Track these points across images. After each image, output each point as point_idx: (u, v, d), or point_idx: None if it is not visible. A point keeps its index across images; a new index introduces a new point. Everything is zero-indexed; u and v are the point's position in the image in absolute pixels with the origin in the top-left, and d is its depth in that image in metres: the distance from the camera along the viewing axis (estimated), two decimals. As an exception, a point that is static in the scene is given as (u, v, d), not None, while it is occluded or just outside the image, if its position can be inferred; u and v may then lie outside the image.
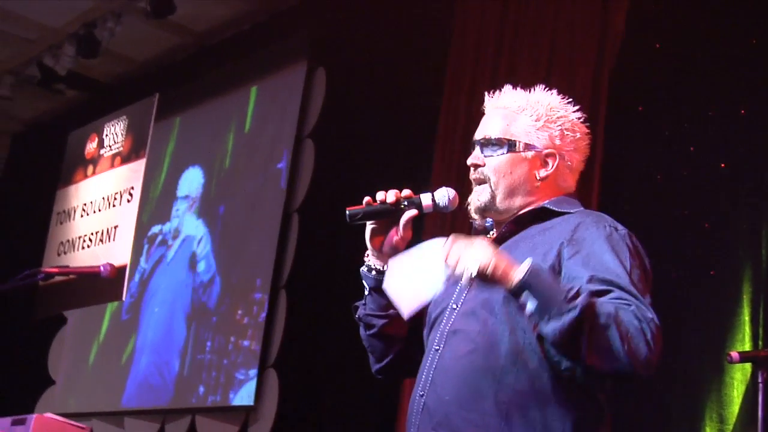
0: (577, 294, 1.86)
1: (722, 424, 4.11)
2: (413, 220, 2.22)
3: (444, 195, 2.20)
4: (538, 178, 2.18)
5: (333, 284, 5.88)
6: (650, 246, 4.44)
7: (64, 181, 7.25)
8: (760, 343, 4.04)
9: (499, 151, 2.17)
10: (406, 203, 2.17)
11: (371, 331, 2.28)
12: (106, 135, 6.89)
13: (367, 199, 2.19)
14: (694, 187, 4.55)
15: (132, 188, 6.27)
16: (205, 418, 6.68)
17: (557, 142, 2.19)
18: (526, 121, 2.19)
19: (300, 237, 6.38)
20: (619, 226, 2.11)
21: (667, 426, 4.30)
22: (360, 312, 2.31)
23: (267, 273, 6.38)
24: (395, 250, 2.20)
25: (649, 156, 4.76)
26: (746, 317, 4.16)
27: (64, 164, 7.39)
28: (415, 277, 1.98)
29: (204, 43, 7.94)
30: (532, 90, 2.26)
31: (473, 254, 1.89)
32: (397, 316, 2.16)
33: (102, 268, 3.05)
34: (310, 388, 6.22)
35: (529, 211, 2.19)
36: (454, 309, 2.13)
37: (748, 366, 4.03)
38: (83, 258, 6.66)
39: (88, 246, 6.57)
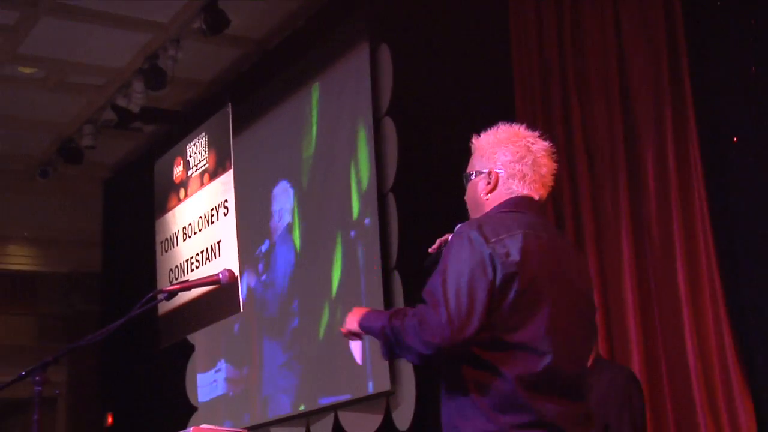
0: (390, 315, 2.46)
1: None
2: None
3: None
4: (483, 195, 2.60)
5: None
6: (759, 138, 4.33)
7: (159, 210, 7.34)
8: None
9: (467, 183, 2.65)
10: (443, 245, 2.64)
11: None
12: (190, 156, 6.95)
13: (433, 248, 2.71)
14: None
15: (226, 201, 6.31)
16: (347, 412, 6.68)
17: (503, 158, 2.58)
18: (481, 152, 2.63)
19: (400, 217, 6.35)
20: (463, 226, 2.49)
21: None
22: None
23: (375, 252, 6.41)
24: None
25: (737, 49, 4.54)
26: None
27: (156, 194, 7.49)
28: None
29: (265, 48, 7.95)
30: (497, 128, 2.65)
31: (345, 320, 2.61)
32: None
33: (221, 275, 3.01)
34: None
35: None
36: None
37: None
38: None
39: (197, 267, 6.64)
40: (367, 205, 6.59)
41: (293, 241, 7.34)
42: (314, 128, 7.23)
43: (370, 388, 6.41)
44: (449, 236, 2.53)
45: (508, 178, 2.57)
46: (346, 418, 6.68)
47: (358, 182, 6.72)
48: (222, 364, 7.97)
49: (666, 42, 4.75)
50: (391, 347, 2.46)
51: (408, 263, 6.24)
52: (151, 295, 2.84)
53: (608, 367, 4.17)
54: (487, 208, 2.59)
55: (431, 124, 6.28)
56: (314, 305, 7.00)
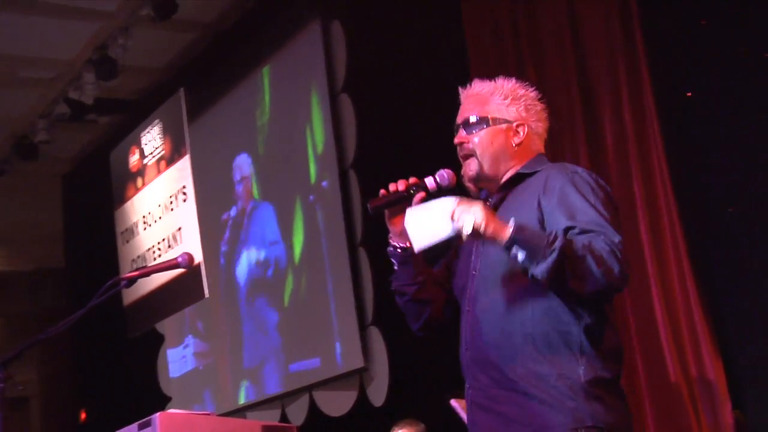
0: (556, 237, 2.30)
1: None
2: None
3: (443, 175, 2.64)
4: (514, 145, 2.65)
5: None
6: (713, 92, 4.33)
7: (118, 200, 7.28)
8: None
9: (479, 128, 2.65)
10: (414, 188, 2.61)
11: (405, 298, 2.72)
12: (145, 144, 6.88)
13: (382, 191, 2.62)
14: (742, 20, 4.33)
15: (184, 187, 6.26)
16: (322, 391, 6.67)
17: (524, 114, 2.68)
18: (496, 101, 2.67)
19: (362, 192, 6.32)
20: (579, 168, 2.57)
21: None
22: (394, 284, 2.74)
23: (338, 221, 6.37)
24: None
25: (687, 4, 4.54)
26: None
27: (114, 184, 7.41)
28: (427, 222, 2.38)
29: (217, 31, 7.86)
30: (496, 80, 2.73)
31: (470, 215, 2.31)
32: (425, 282, 2.70)
33: (180, 259, 3.02)
34: (417, 340, 6.14)
35: (508, 179, 2.65)
36: (474, 275, 2.60)
37: None
38: (158, 269, 6.65)
39: (160, 255, 6.59)
40: (324, 168, 6.55)
41: (255, 210, 7.24)
42: (267, 107, 7.16)
43: (338, 349, 6.40)
44: (415, 180, 2.62)
45: (533, 134, 2.69)
46: (320, 397, 6.67)
47: (314, 146, 6.68)
48: (189, 339, 7.90)
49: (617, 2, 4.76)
50: (566, 270, 2.29)
51: (374, 240, 6.22)
52: (110, 282, 2.82)
53: None
54: (518, 159, 2.66)
55: (388, 100, 6.24)
56: (278, 273, 6.96)
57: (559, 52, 5.03)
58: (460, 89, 2.76)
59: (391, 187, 2.63)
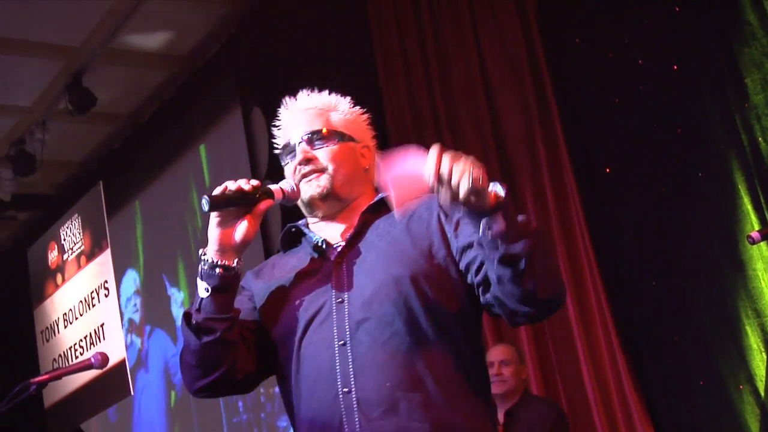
0: (529, 219, 1.91)
1: (760, 318, 3.98)
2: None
3: (289, 184, 2.19)
4: (364, 169, 2.23)
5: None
6: (630, 167, 4.43)
7: (37, 298, 7.09)
8: (770, 223, 3.93)
9: (330, 143, 2.19)
10: (260, 193, 2.11)
11: (210, 338, 2.06)
12: (64, 239, 6.74)
13: (224, 186, 2.08)
14: (653, 98, 4.44)
15: (106, 282, 6.12)
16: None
17: (369, 135, 2.28)
18: (339, 117, 2.24)
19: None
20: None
21: (703, 334, 4.17)
22: (196, 318, 2.08)
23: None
24: (246, 243, 2.11)
25: (600, 82, 4.65)
26: (748, 206, 4.04)
27: (32, 282, 7.22)
28: (408, 178, 1.84)
29: (136, 122, 7.80)
30: (329, 92, 2.30)
31: (467, 166, 1.79)
32: (235, 320, 2.09)
33: (93, 359, 2.89)
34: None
35: (378, 200, 2.18)
36: (341, 302, 2.07)
37: (766, 252, 3.94)
38: (81, 368, 6.46)
39: (82, 353, 6.41)
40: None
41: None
42: (194, 193, 7.08)
43: None
44: (259, 184, 2.11)
45: (375, 164, 2.22)
46: None
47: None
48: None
49: (531, 77, 4.84)
50: (536, 261, 1.86)
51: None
52: (18, 388, 2.69)
53: (537, 401, 4.31)
54: (368, 188, 2.24)
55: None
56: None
57: (480, 136, 5.06)
58: (290, 102, 2.27)
59: (231, 185, 2.09)
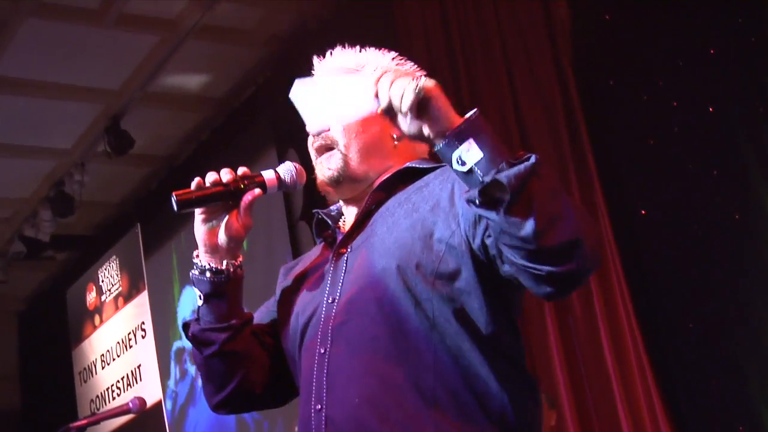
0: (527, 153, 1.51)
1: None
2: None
3: (288, 170, 1.91)
4: (394, 138, 1.86)
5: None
6: (666, 209, 4.42)
7: (75, 339, 7.15)
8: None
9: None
10: (245, 183, 1.86)
11: (210, 350, 1.84)
12: (102, 280, 6.81)
13: (197, 180, 1.83)
14: (689, 140, 4.43)
15: (143, 323, 6.17)
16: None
17: None
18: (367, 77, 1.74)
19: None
20: None
21: (743, 378, 4.13)
22: (194, 329, 1.87)
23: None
24: (236, 242, 1.86)
25: (635, 124, 4.65)
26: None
27: (70, 323, 7.29)
28: (330, 96, 1.61)
29: (172, 164, 7.89)
30: (367, 49, 1.93)
31: (411, 80, 1.50)
32: (241, 329, 1.85)
33: (131, 404, 2.94)
34: None
35: (395, 173, 1.85)
36: (332, 302, 1.76)
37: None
38: (118, 409, 6.49)
39: (119, 394, 6.44)
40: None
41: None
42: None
43: None
44: (247, 172, 1.90)
45: None
46: None
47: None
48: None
49: (565, 119, 4.85)
50: (534, 199, 1.44)
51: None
52: None
53: None
54: (397, 160, 1.87)
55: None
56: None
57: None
58: (316, 62, 1.95)
59: (210, 177, 1.84)
